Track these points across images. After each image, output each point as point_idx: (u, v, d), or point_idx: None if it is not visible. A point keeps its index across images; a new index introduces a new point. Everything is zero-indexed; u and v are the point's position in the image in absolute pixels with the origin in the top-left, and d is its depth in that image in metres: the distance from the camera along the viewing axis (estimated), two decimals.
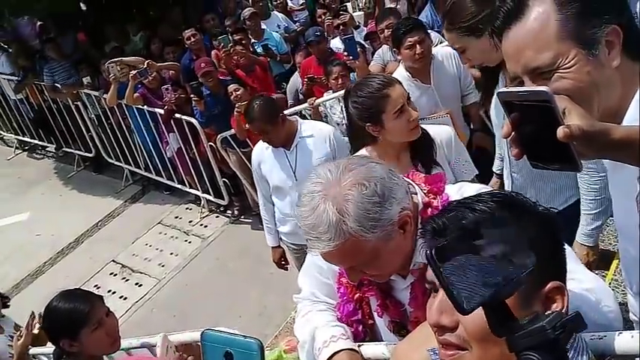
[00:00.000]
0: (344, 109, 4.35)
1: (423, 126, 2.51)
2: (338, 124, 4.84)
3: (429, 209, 1.47)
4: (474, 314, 0.86)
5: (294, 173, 3.56)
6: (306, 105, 4.93)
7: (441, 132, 2.60)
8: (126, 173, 7.62)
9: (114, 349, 2.34)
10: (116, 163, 7.63)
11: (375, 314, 1.60)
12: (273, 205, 3.76)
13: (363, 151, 2.52)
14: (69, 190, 8.00)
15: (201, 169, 6.28)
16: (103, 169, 8.07)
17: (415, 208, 1.44)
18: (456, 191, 1.52)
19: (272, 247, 3.91)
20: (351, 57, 4.37)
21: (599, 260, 3.30)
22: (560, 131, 1.00)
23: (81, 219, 7.10)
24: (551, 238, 0.97)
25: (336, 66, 4.79)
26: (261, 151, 3.65)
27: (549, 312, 0.75)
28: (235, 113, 5.04)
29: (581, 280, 1.11)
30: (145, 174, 7.28)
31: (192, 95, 5.76)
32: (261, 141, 3.69)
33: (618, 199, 1.46)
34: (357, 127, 2.50)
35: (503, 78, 2.62)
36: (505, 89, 1.09)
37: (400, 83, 2.45)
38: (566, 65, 1.18)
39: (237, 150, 5.62)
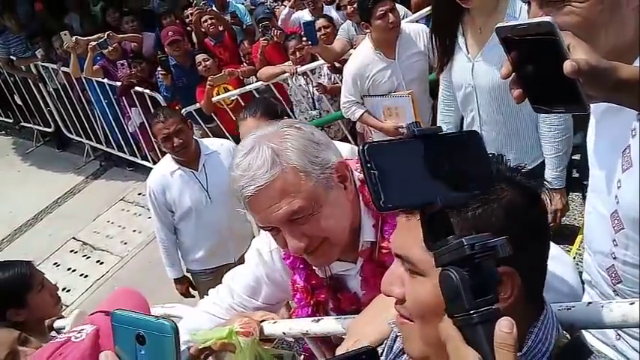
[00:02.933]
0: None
1: None
2: (303, 97, 4.79)
3: None
4: (416, 291, 0.88)
5: (207, 192, 3.45)
6: (286, 75, 4.80)
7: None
8: (87, 149, 7.43)
9: (56, 310, 2.31)
10: (76, 138, 7.42)
11: (332, 314, 1.56)
12: (175, 235, 3.59)
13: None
14: (27, 166, 7.77)
15: None
16: (65, 145, 7.84)
17: (353, 183, 1.40)
18: None
19: (175, 280, 3.71)
20: (309, 42, 4.25)
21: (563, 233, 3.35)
22: (568, 65, 0.92)
23: (40, 195, 6.90)
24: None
25: (292, 40, 4.76)
26: (163, 177, 3.44)
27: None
28: (207, 86, 4.91)
29: None
30: (107, 149, 7.10)
31: (159, 69, 5.59)
32: (161, 165, 3.54)
33: (600, 150, 1.40)
34: None
35: (463, 40, 2.60)
36: (504, 24, 1.00)
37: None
38: None
39: (202, 125, 5.51)
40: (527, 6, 1.19)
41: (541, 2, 1.15)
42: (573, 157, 3.83)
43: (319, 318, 1.53)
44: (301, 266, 1.53)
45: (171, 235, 3.57)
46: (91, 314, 1.16)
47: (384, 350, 1.15)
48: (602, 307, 1.09)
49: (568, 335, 0.92)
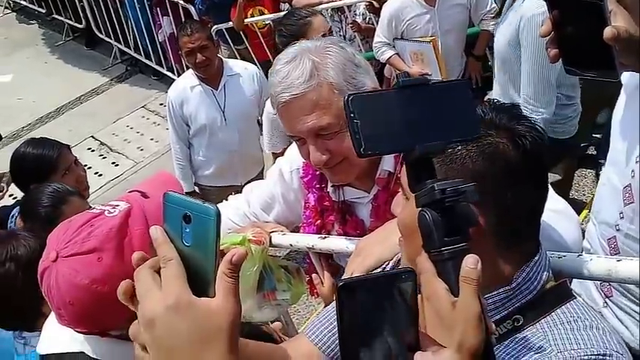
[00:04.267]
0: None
1: None
2: (335, 33, 4.74)
3: None
4: (402, 213, 0.97)
5: (223, 113, 3.49)
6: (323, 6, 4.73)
7: None
8: (115, 51, 7.43)
9: (86, 195, 2.41)
10: (106, 39, 7.40)
11: (336, 234, 1.64)
12: (189, 149, 3.65)
13: None
14: (55, 59, 7.81)
15: None
16: (94, 44, 7.83)
17: None
18: None
19: (186, 193, 3.75)
20: None
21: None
22: (608, 31, 0.94)
23: (64, 90, 6.98)
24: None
25: None
26: (183, 91, 3.49)
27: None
28: (239, 1, 4.87)
29: (550, 201, 1.14)
30: (135, 55, 7.09)
31: None
32: (183, 78, 3.57)
33: (626, 125, 1.44)
34: None
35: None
36: None
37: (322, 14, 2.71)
38: None
39: (232, 45, 5.49)
40: None
41: None
42: (594, 135, 3.85)
43: (325, 235, 1.61)
44: (317, 186, 1.61)
45: (185, 149, 3.65)
46: (130, 191, 1.22)
47: (390, 268, 1.25)
48: (591, 259, 1.17)
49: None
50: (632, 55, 1.00)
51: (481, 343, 0.70)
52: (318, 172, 1.58)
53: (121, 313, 1.04)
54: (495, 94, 2.96)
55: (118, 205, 1.14)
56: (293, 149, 1.64)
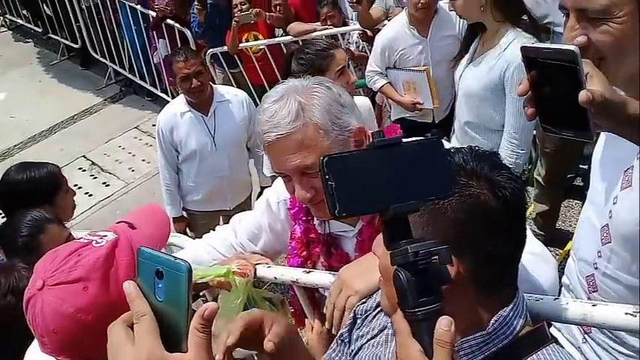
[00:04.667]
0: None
1: None
2: None
3: None
4: (382, 254, 0.96)
5: (213, 139, 3.51)
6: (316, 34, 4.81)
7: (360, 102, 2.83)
8: (109, 71, 7.47)
9: (71, 215, 2.44)
10: (101, 59, 7.45)
11: (321, 266, 1.66)
12: (178, 175, 3.67)
13: None
14: (49, 78, 7.84)
15: None
16: (89, 64, 7.86)
17: None
18: None
19: (174, 218, 3.73)
20: None
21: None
22: (583, 95, 0.98)
23: (57, 109, 7.00)
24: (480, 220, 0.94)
25: (325, 7, 4.77)
26: (173, 117, 3.51)
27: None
28: (233, 22, 4.92)
29: (528, 243, 1.16)
30: (129, 76, 7.14)
31: (196, 3, 5.57)
32: (173, 104, 3.61)
33: (604, 164, 1.47)
34: None
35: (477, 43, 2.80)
36: (530, 45, 1.06)
37: (341, 48, 2.80)
38: (618, 18, 1.13)
39: (226, 69, 5.54)
40: (564, 17, 1.23)
41: (579, 17, 1.18)
42: (580, 166, 3.90)
43: (310, 270, 1.63)
44: (303, 218, 1.63)
45: (173, 174, 3.66)
46: (118, 222, 1.24)
47: (371, 305, 1.26)
48: (567, 303, 1.20)
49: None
50: (606, 118, 1.03)
51: None
52: (305, 205, 1.60)
53: (104, 343, 1.07)
54: (458, 132, 3.12)
55: (105, 236, 1.16)
56: (280, 181, 1.67)
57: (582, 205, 1.59)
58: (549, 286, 1.33)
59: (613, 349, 1.51)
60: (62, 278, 1.09)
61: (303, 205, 1.61)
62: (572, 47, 1.00)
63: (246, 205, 3.80)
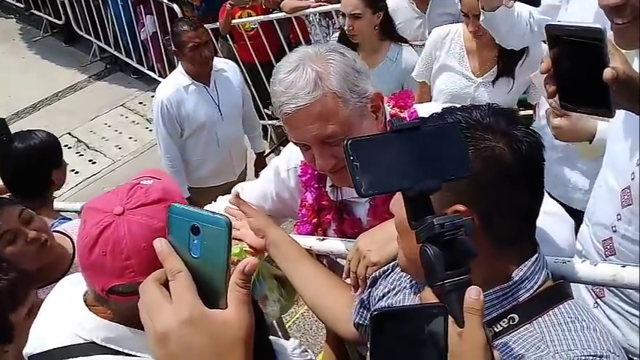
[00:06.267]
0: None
1: None
2: (322, 37, 4.76)
3: None
4: (397, 211, 1.02)
5: (219, 108, 3.50)
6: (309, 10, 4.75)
7: None
8: (94, 48, 7.33)
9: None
10: (85, 35, 7.31)
11: (333, 233, 1.64)
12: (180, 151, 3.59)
13: None
14: (32, 54, 7.68)
15: (174, 58, 6.07)
16: (73, 41, 7.71)
17: (383, 115, 1.47)
18: (426, 109, 1.53)
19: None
20: None
21: None
22: (608, 72, 0.99)
23: (41, 86, 6.86)
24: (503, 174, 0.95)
25: None
26: (178, 92, 3.43)
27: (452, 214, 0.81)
28: (228, 5, 4.85)
29: (544, 204, 1.16)
30: (115, 53, 7.01)
31: None
32: (173, 79, 3.54)
33: (627, 126, 1.46)
34: None
35: None
36: (556, 22, 1.07)
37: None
38: None
39: (217, 45, 5.47)
40: None
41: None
42: None
43: (323, 237, 1.61)
44: (315, 186, 1.61)
45: (178, 153, 3.57)
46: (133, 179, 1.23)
47: (390, 265, 1.27)
48: (596, 265, 1.19)
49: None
50: (626, 95, 1.05)
51: None
52: (316, 172, 1.58)
53: None
54: None
55: (143, 178, 1.17)
56: (290, 148, 1.64)
57: None
58: (567, 245, 1.33)
59: (626, 311, 1.52)
60: (142, 201, 1.10)
61: (316, 173, 1.59)
62: (599, 25, 1.01)
63: (244, 175, 3.82)
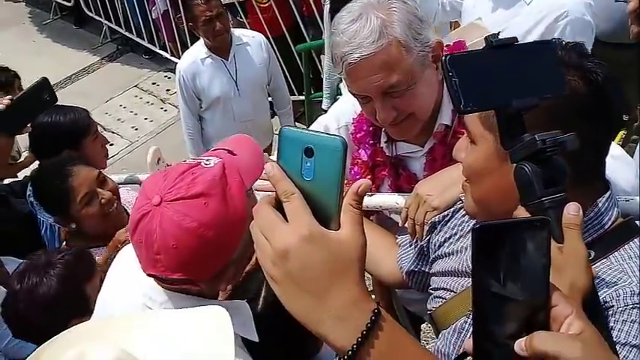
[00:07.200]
0: None
1: None
2: None
3: None
4: (468, 156, 1.04)
5: (235, 83, 3.46)
6: None
7: None
8: (105, 29, 7.29)
9: (104, 163, 2.40)
10: (95, 17, 7.26)
11: (388, 189, 1.65)
12: (200, 123, 3.62)
13: None
14: (42, 38, 7.65)
15: (187, 37, 6.04)
16: (83, 23, 7.66)
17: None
18: None
19: None
20: None
21: None
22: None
23: (54, 69, 6.82)
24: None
25: None
26: (194, 64, 3.44)
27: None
28: None
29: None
30: (126, 33, 6.97)
31: None
32: (192, 51, 3.51)
33: None
34: None
35: None
36: None
37: None
38: None
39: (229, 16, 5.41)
40: None
41: None
42: None
43: (372, 193, 1.61)
44: (370, 142, 1.61)
45: (196, 123, 3.61)
46: (214, 149, 1.22)
47: (450, 214, 1.29)
48: None
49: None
50: None
51: (591, 282, 0.73)
52: (371, 128, 1.58)
53: (217, 261, 1.06)
54: None
55: (210, 159, 1.14)
56: (338, 106, 1.64)
57: None
58: (630, 188, 1.33)
59: None
60: (182, 193, 1.06)
61: (370, 129, 1.59)
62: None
63: (268, 152, 3.75)
